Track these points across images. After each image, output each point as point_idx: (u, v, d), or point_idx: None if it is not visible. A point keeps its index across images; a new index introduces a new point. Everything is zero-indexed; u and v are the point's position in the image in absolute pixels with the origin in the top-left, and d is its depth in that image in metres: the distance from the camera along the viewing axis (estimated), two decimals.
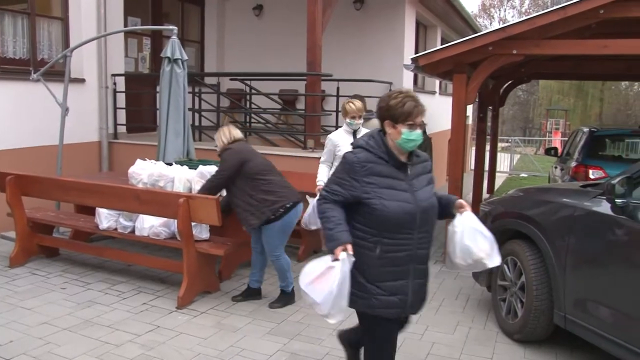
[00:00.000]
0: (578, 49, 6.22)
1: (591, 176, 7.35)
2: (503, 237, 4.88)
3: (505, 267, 4.72)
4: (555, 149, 11.01)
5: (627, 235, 3.58)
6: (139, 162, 6.05)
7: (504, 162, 20.68)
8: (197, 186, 5.59)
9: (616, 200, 3.61)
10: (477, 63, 6.47)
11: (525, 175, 19.21)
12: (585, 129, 8.67)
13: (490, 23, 44.26)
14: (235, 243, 5.35)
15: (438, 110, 13.63)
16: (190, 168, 5.90)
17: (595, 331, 3.70)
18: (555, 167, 10.03)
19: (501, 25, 6.39)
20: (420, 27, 13.04)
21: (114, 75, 8.58)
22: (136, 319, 4.67)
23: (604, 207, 3.75)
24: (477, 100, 10.97)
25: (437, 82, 13.75)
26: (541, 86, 33.96)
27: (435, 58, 6.47)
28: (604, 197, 3.79)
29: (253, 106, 10.64)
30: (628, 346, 3.42)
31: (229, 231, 5.61)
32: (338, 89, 8.85)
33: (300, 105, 10.42)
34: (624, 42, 5.98)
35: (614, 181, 3.60)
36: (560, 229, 4.13)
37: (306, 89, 7.78)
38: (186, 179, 5.69)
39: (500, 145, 20.06)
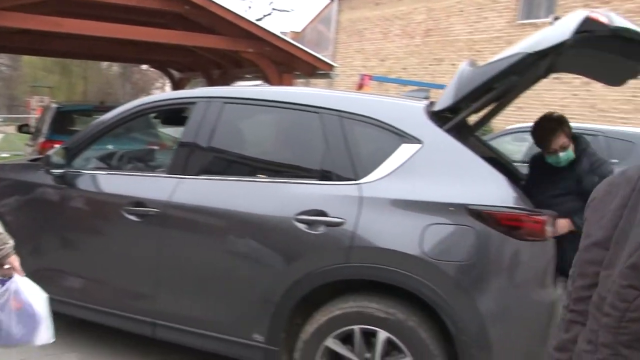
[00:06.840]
0: (31, 23, 6.17)
1: None
2: None
3: None
4: (28, 125, 10.78)
5: (67, 201, 3.78)
6: None
7: None
8: None
9: (53, 171, 3.74)
10: None
11: (7, 155, 18.17)
12: (54, 106, 8.76)
13: None
14: None
15: None
16: None
17: (66, 301, 3.65)
18: (28, 145, 9.83)
19: None
20: None
21: None
22: None
23: (45, 179, 3.82)
24: None
25: None
26: (25, 62, 32.51)
27: None
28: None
29: None
30: (95, 307, 3.61)
31: None
32: None
33: None
34: (77, 22, 6.28)
35: (50, 152, 3.74)
36: (11, 204, 4.05)
37: None
38: None
39: None
